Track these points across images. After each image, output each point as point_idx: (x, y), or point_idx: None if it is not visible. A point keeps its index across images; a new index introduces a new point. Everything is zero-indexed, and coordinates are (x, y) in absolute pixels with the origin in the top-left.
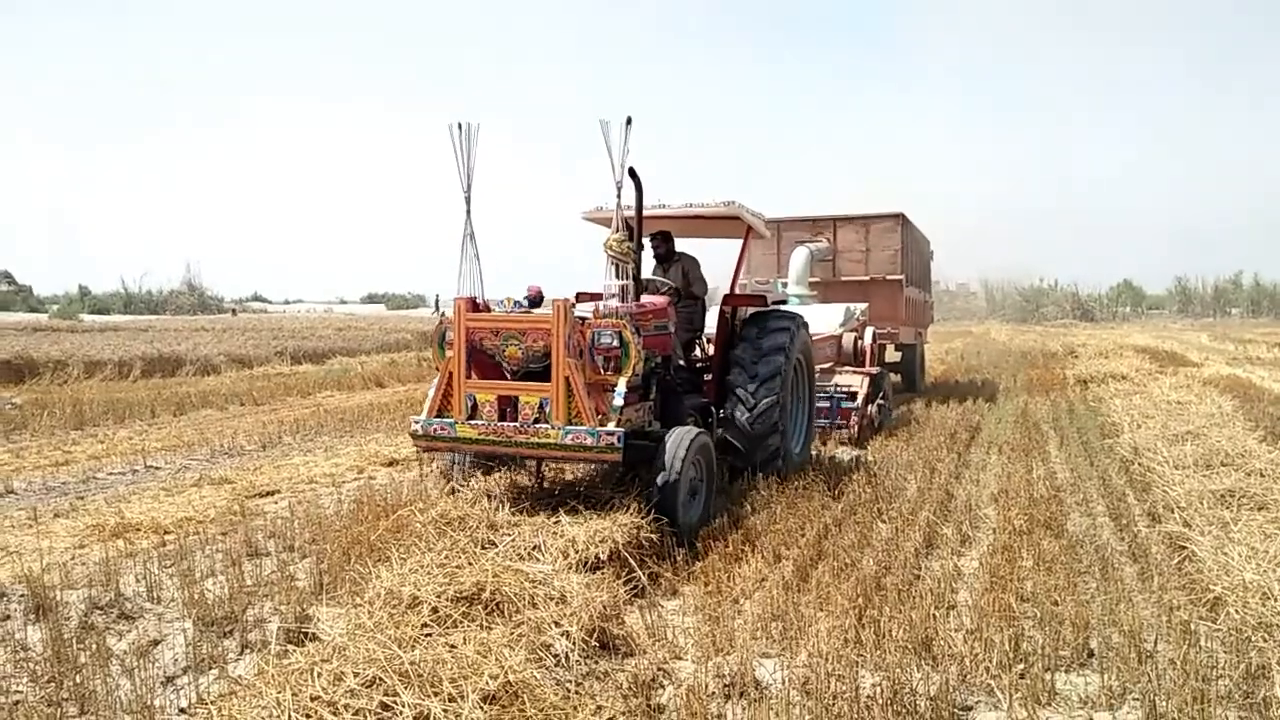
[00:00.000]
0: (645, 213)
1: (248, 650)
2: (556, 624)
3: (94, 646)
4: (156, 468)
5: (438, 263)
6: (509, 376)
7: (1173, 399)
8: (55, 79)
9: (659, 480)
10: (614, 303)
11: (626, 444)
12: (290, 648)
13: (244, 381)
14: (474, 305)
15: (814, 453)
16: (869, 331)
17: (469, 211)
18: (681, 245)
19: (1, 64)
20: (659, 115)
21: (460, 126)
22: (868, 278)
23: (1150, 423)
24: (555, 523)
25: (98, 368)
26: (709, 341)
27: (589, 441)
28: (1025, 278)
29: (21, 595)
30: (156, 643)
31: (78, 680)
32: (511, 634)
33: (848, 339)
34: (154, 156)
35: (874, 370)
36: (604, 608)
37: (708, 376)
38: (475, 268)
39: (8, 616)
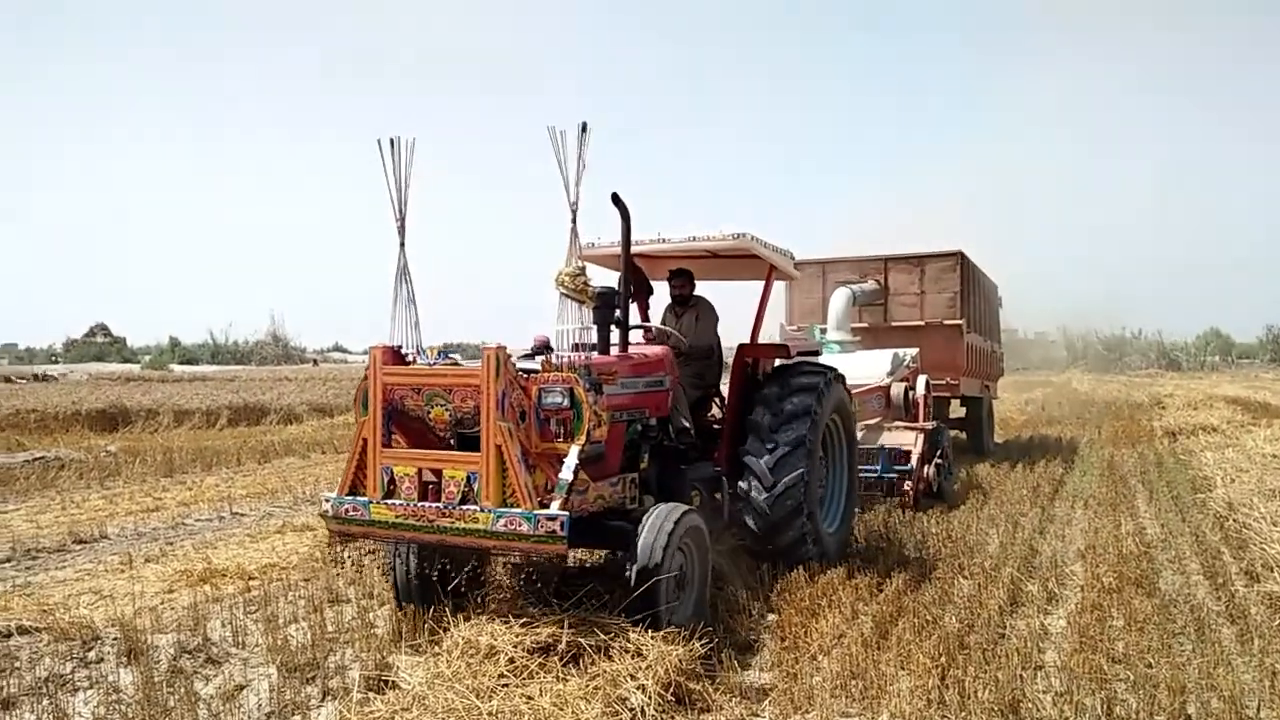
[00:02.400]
0: (640, 248)
1: (329, 697)
2: (632, 677)
3: (182, 690)
4: (242, 514)
5: (516, 312)
6: (444, 445)
7: (1267, 452)
8: (149, 134)
9: (633, 570)
10: (567, 353)
11: (596, 527)
12: (371, 695)
13: (325, 430)
14: (395, 357)
15: (858, 529)
16: (922, 380)
17: (402, 244)
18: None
19: (103, 118)
20: (689, 143)
21: (392, 143)
22: (923, 323)
23: (1245, 477)
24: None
25: (187, 416)
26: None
27: (524, 529)
28: (1107, 325)
29: (115, 639)
30: (241, 688)
31: None
32: (587, 686)
33: (897, 390)
34: (238, 209)
35: (929, 425)
36: (680, 662)
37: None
38: (410, 313)
39: (102, 659)
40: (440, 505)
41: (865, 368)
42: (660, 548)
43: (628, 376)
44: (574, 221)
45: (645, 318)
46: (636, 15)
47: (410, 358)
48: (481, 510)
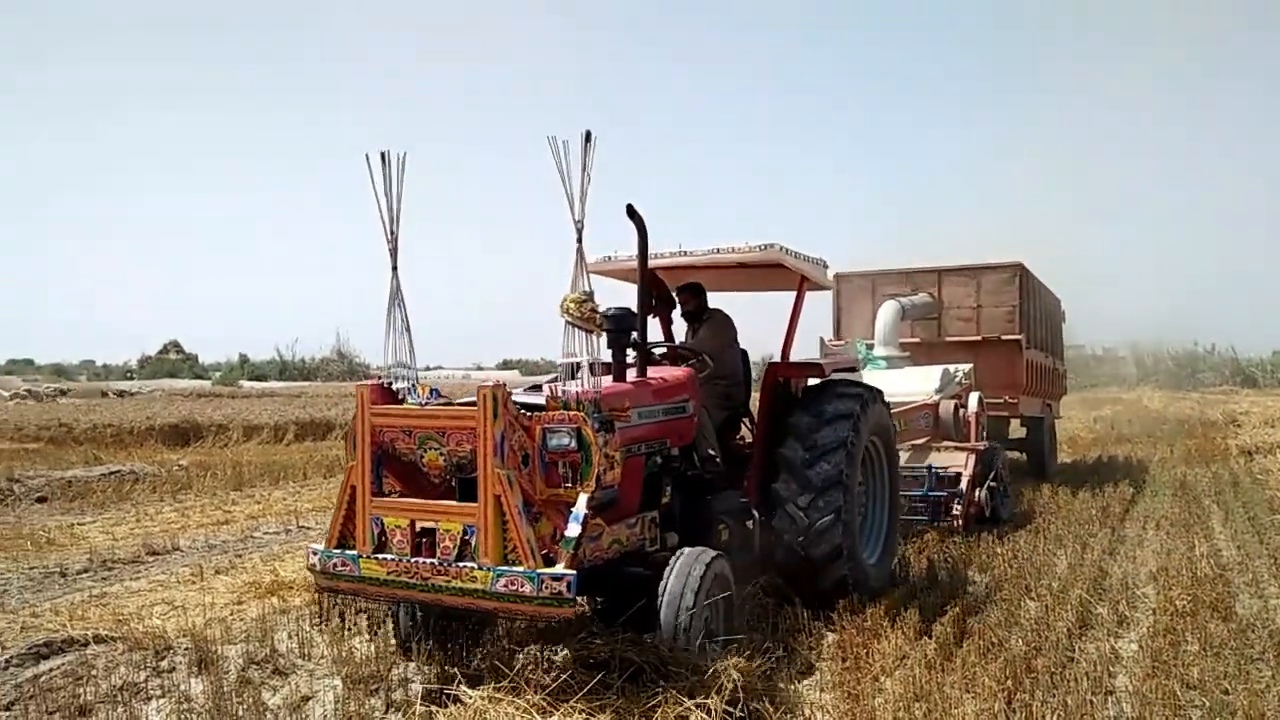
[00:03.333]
0: (660, 261)
1: (392, 709)
2: (691, 696)
3: (250, 700)
4: (308, 528)
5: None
6: (441, 492)
7: None
8: (215, 156)
9: (661, 626)
10: (574, 386)
11: (612, 576)
12: (433, 709)
13: None
14: (386, 395)
15: (914, 554)
16: (974, 397)
17: (395, 267)
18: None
19: (173, 136)
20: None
21: (383, 157)
22: (979, 338)
23: None
24: None
25: (255, 431)
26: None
27: (527, 590)
28: (1179, 341)
29: (186, 648)
30: (307, 699)
31: None
32: (646, 704)
33: (946, 407)
34: (303, 228)
35: (982, 445)
36: (740, 680)
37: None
38: (404, 341)
39: (173, 668)
40: (435, 562)
41: (912, 384)
42: (691, 595)
43: (646, 405)
44: (579, 241)
45: (669, 335)
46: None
47: (402, 395)
48: (480, 568)
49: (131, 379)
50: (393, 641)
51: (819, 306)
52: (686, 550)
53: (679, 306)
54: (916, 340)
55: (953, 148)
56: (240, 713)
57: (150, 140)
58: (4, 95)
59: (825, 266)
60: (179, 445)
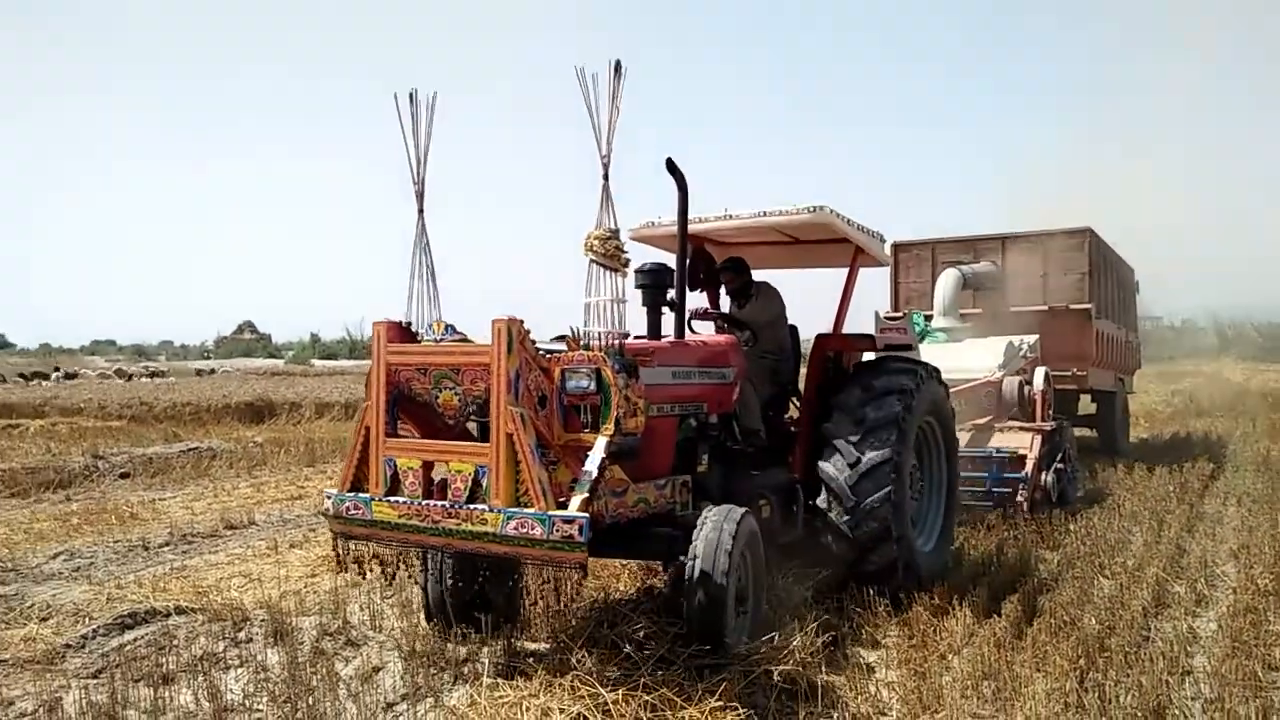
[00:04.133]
0: (703, 226)
1: (461, 681)
2: (747, 676)
3: (323, 671)
4: None
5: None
6: (457, 435)
7: None
8: (285, 138)
9: (693, 583)
10: (596, 329)
11: (637, 534)
12: (500, 681)
13: None
14: (403, 333)
15: (966, 536)
16: (1040, 372)
17: (421, 210)
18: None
19: (241, 121)
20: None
21: (411, 97)
22: (1045, 308)
23: None
24: None
25: (327, 409)
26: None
27: (537, 532)
28: (1263, 311)
29: (262, 620)
30: (378, 669)
31: (309, 702)
32: (711, 680)
33: (1010, 385)
34: (365, 209)
35: (1048, 425)
36: (803, 654)
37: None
38: (429, 288)
39: (250, 639)
40: (446, 504)
41: (974, 359)
42: (725, 553)
43: (679, 365)
44: (605, 178)
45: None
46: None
47: (421, 335)
48: (490, 510)
49: (208, 358)
50: (420, 616)
51: (876, 285)
52: (715, 508)
53: (724, 286)
54: (978, 311)
55: (1016, 114)
56: (314, 683)
57: (222, 125)
58: (80, 81)
59: (882, 240)
60: (254, 423)
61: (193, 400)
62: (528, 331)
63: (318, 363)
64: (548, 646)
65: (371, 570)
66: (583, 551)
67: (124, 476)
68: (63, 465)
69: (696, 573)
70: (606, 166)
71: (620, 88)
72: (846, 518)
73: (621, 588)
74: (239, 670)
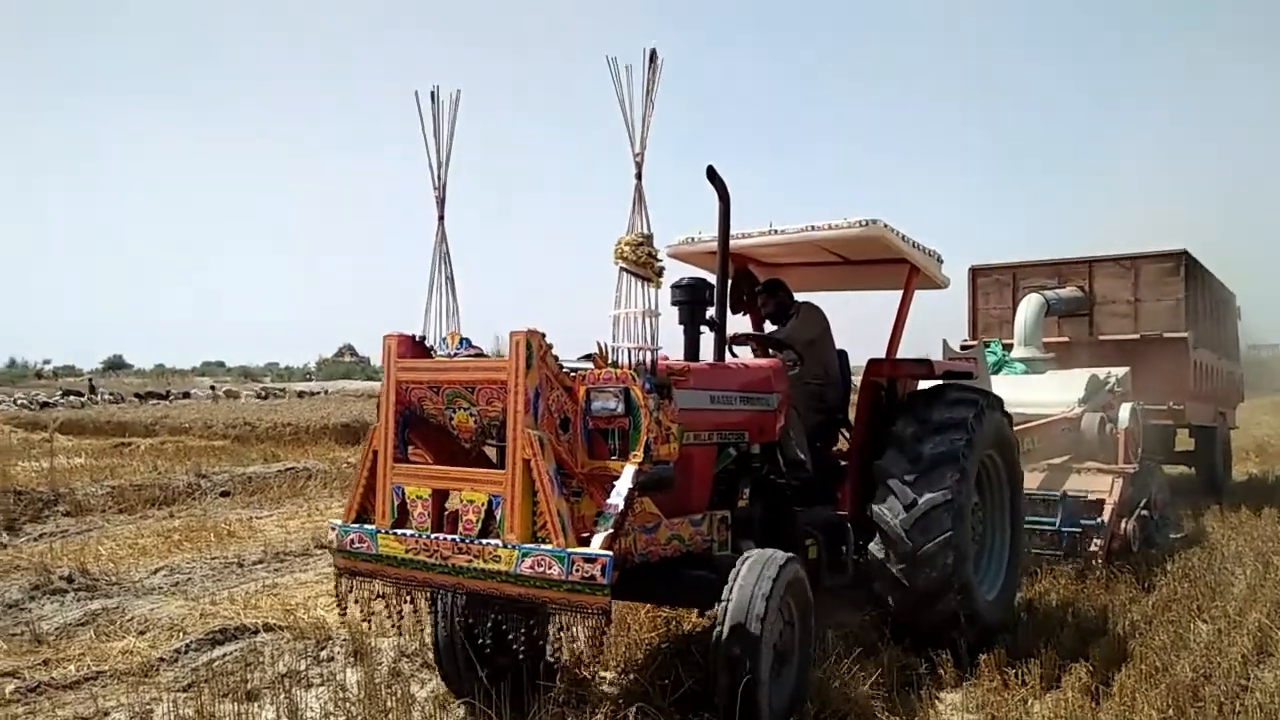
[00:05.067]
0: (746, 242)
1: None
2: None
3: (400, 692)
4: None
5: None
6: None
7: None
8: (380, 167)
9: (721, 636)
10: (626, 344)
11: (669, 576)
12: (565, 711)
13: None
14: (416, 348)
15: (1027, 595)
16: (1126, 409)
17: (441, 217)
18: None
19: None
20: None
21: (433, 96)
22: (1137, 336)
23: None
24: None
25: None
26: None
27: (555, 572)
28: None
29: (344, 639)
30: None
31: None
32: None
33: (1089, 421)
34: (468, 233)
35: (1132, 466)
36: (875, 692)
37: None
38: (448, 300)
39: (332, 658)
40: (456, 538)
41: (1052, 393)
42: (761, 601)
43: (718, 388)
44: (638, 178)
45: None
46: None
47: (436, 350)
48: (504, 546)
49: (310, 380)
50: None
51: (942, 308)
52: (756, 551)
53: (762, 310)
54: (1064, 340)
55: (1092, 129)
56: (390, 704)
57: (317, 154)
58: (182, 98)
59: (940, 260)
60: (349, 443)
61: (293, 421)
62: (550, 345)
63: None
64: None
65: (375, 610)
66: (605, 595)
67: (224, 495)
68: (167, 483)
69: (726, 625)
70: (639, 166)
71: (656, 80)
72: (902, 566)
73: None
74: (319, 689)
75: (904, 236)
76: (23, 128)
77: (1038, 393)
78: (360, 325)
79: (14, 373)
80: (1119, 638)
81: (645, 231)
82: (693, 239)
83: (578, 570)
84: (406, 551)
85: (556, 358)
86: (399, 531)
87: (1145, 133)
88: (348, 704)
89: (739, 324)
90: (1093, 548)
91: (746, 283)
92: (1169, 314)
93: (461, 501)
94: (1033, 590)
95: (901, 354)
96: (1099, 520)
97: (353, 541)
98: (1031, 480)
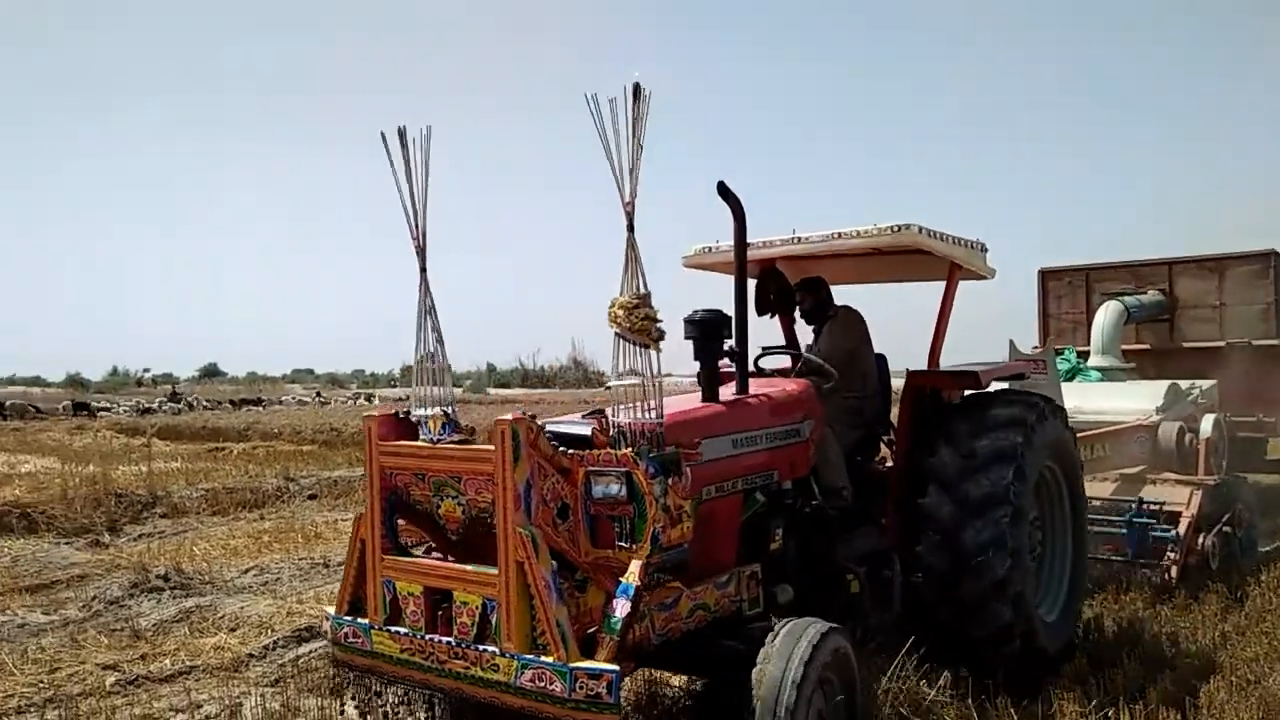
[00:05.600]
0: (768, 251)
1: None
2: None
3: None
4: None
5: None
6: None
7: None
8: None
9: None
10: (624, 417)
11: (695, 650)
12: None
13: None
14: (400, 428)
15: (1093, 609)
16: (1208, 420)
17: (424, 267)
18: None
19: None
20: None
21: (401, 135)
22: (1223, 343)
23: None
24: None
25: None
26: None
27: (557, 689)
28: None
29: None
30: None
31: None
32: None
33: (1167, 430)
34: (546, 241)
35: (1212, 479)
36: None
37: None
38: (436, 358)
39: None
40: (452, 641)
41: (1128, 401)
42: (792, 685)
43: (741, 430)
44: (630, 229)
45: (792, 340)
46: None
47: (423, 427)
48: (501, 654)
49: (395, 386)
50: None
51: (1004, 307)
52: (790, 623)
53: (798, 307)
54: (1145, 347)
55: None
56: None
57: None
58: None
59: (984, 250)
60: None
61: None
62: (540, 429)
63: (493, 391)
64: None
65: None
66: (615, 713)
67: (311, 498)
68: (258, 486)
69: (755, 706)
70: (630, 216)
71: (643, 114)
72: (949, 570)
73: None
74: (397, 685)
75: (941, 235)
76: (124, 139)
77: (1113, 400)
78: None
79: (116, 380)
80: (1206, 649)
81: (641, 290)
82: (709, 248)
83: (582, 687)
84: (402, 651)
85: (551, 436)
86: (393, 629)
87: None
88: (419, 700)
89: (758, 334)
90: (1164, 562)
91: (774, 282)
92: (1257, 319)
93: (455, 602)
94: (1103, 605)
95: (967, 354)
96: (1174, 533)
97: (347, 636)
98: (1101, 489)
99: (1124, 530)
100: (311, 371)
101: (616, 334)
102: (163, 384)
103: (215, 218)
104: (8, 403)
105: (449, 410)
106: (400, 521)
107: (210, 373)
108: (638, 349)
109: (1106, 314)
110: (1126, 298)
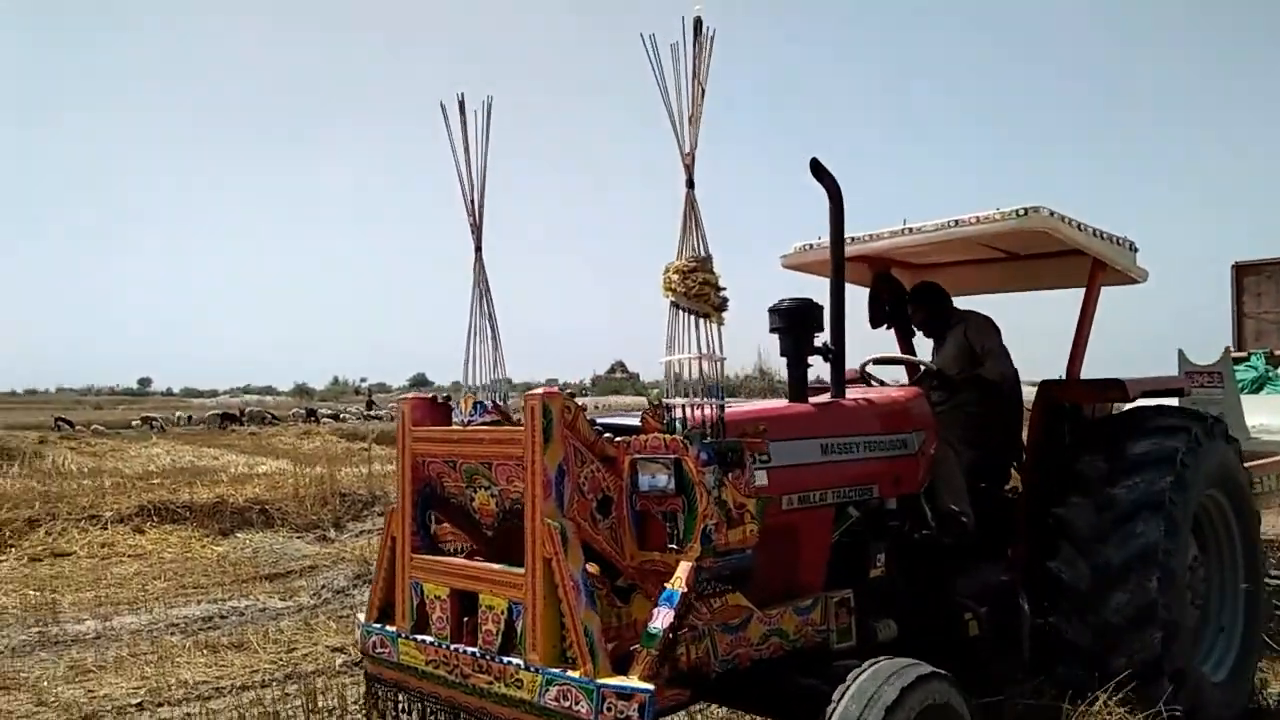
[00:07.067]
0: (877, 245)
1: None
2: None
3: None
4: None
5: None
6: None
7: None
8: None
9: None
10: (679, 400)
11: (769, 685)
12: None
13: None
14: (435, 412)
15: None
16: None
17: (479, 246)
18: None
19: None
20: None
21: (461, 106)
22: None
23: None
24: None
25: None
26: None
27: (583, 710)
28: None
29: None
30: None
31: None
32: None
33: None
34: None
35: None
36: None
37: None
38: (489, 347)
39: None
40: (477, 652)
41: None
42: None
43: (832, 434)
44: (689, 185)
45: (908, 353)
46: None
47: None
48: (526, 668)
49: (585, 395)
50: None
51: (1177, 314)
52: (880, 662)
53: (912, 320)
54: None
55: None
56: None
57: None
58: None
59: (1134, 249)
60: None
61: None
62: (580, 409)
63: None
64: None
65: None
66: None
67: None
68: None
69: None
70: (689, 170)
71: (706, 57)
72: (1089, 643)
73: None
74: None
75: (1079, 224)
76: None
77: None
78: (631, 339)
79: (336, 389)
80: None
81: (699, 254)
82: (809, 245)
83: (610, 709)
84: (427, 663)
85: (593, 421)
86: (419, 638)
87: None
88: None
89: (873, 344)
90: None
91: (888, 290)
92: None
93: (481, 607)
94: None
95: (1135, 366)
96: None
97: (375, 645)
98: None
99: None
100: (509, 381)
101: (671, 302)
102: (378, 392)
103: (420, 228)
104: (247, 410)
105: (499, 398)
106: (443, 525)
107: (419, 382)
108: (695, 320)
109: None
110: None
